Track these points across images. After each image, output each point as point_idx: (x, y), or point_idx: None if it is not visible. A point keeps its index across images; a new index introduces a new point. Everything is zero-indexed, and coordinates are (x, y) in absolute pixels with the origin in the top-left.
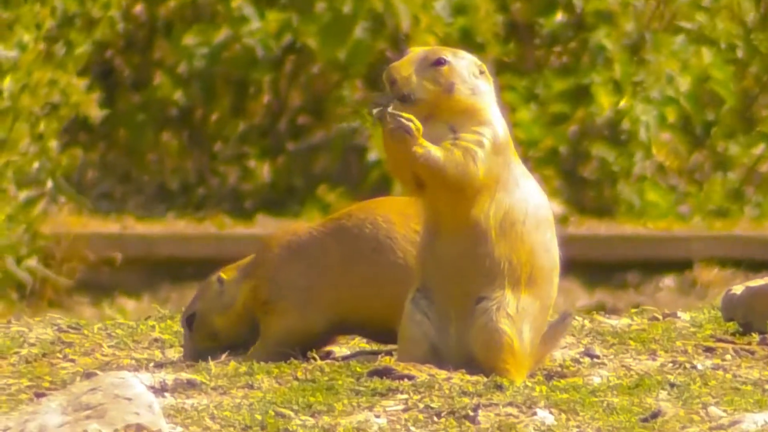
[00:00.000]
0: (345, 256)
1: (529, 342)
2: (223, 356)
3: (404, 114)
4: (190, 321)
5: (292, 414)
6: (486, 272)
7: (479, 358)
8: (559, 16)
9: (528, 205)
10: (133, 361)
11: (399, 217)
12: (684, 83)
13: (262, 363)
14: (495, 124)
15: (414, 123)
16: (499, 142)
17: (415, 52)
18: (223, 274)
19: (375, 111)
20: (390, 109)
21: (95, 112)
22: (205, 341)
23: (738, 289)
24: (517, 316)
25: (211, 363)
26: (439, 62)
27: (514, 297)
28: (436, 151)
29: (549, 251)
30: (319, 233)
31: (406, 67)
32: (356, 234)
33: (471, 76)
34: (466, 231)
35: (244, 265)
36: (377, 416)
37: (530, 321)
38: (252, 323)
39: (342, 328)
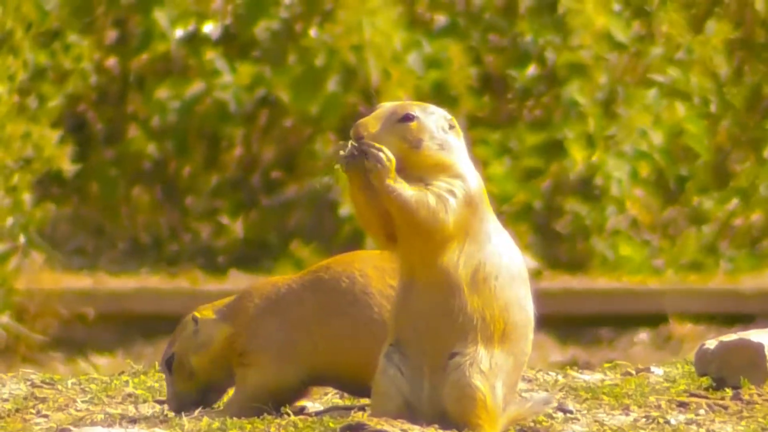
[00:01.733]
0: (321, 309)
1: (502, 398)
2: (197, 412)
3: (377, 145)
4: (169, 363)
5: None
6: (459, 327)
7: (452, 413)
8: (532, 69)
9: (501, 261)
10: (107, 417)
11: (375, 271)
12: (657, 137)
13: (235, 419)
14: (467, 177)
15: (386, 153)
16: (471, 194)
17: (384, 107)
18: (198, 314)
19: (341, 154)
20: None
21: (68, 166)
22: (184, 383)
23: (711, 343)
24: (490, 372)
25: (185, 419)
26: (407, 118)
27: (487, 353)
28: (408, 189)
29: (523, 307)
30: (297, 286)
31: (373, 123)
32: (333, 287)
33: (440, 131)
34: (438, 285)
35: (221, 306)
36: None
37: (503, 377)
38: (228, 364)
39: (317, 381)
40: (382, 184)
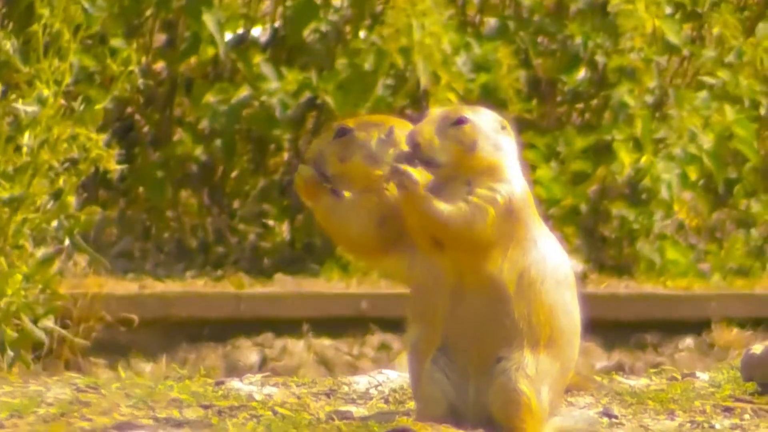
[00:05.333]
0: None
1: (549, 403)
2: (241, 417)
3: (410, 168)
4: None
5: None
6: (505, 332)
7: (498, 417)
8: (582, 73)
9: (546, 265)
10: (152, 421)
11: None
12: (706, 141)
13: (279, 423)
14: (512, 182)
15: (414, 173)
16: (515, 200)
17: (435, 112)
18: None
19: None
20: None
21: (114, 168)
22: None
23: (758, 348)
24: (536, 377)
25: (229, 423)
26: (461, 121)
27: (533, 357)
28: (439, 204)
29: (569, 312)
30: None
31: (427, 129)
32: None
33: (493, 132)
34: (484, 290)
35: None
36: None
37: (550, 382)
38: None
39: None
40: (412, 204)
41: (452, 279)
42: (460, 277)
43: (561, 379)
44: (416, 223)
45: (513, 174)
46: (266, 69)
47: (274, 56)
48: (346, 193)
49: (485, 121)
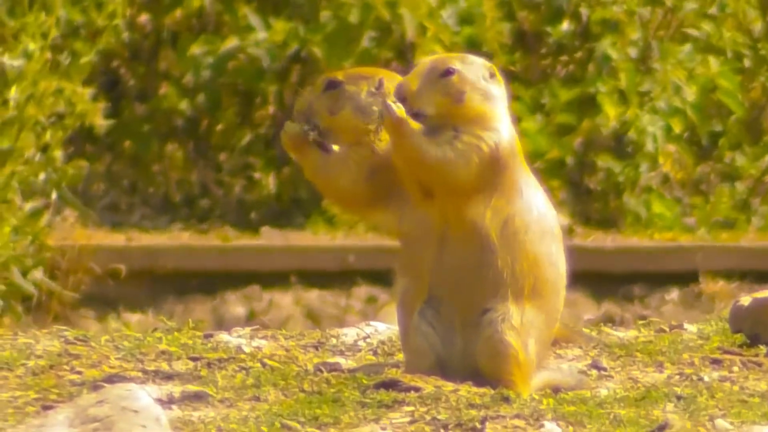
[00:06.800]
0: None
1: (536, 354)
2: (230, 369)
3: (397, 107)
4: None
5: (298, 426)
6: (490, 283)
7: (485, 369)
8: (566, 25)
9: (531, 215)
10: (141, 374)
11: None
12: (690, 93)
13: (268, 375)
14: (500, 131)
15: (401, 112)
16: (501, 147)
17: (423, 64)
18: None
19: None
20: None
21: (100, 122)
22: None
23: (746, 300)
24: (522, 329)
25: (218, 375)
26: (448, 72)
27: (518, 309)
28: (427, 144)
29: (554, 263)
30: None
31: (414, 81)
32: None
33: (482, 81)
34: (468, 239)
35: None
36: (383, 428)
37: (536, 334)
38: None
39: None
40: (397, 138)
41: (439, 228)
42: (446, 225)
43: (547, 330)
44: (403, 163)
45: (501, 122)
46: (253, 20)
47: (260, 8)
48: (335, 147)
49: (473, 70)
